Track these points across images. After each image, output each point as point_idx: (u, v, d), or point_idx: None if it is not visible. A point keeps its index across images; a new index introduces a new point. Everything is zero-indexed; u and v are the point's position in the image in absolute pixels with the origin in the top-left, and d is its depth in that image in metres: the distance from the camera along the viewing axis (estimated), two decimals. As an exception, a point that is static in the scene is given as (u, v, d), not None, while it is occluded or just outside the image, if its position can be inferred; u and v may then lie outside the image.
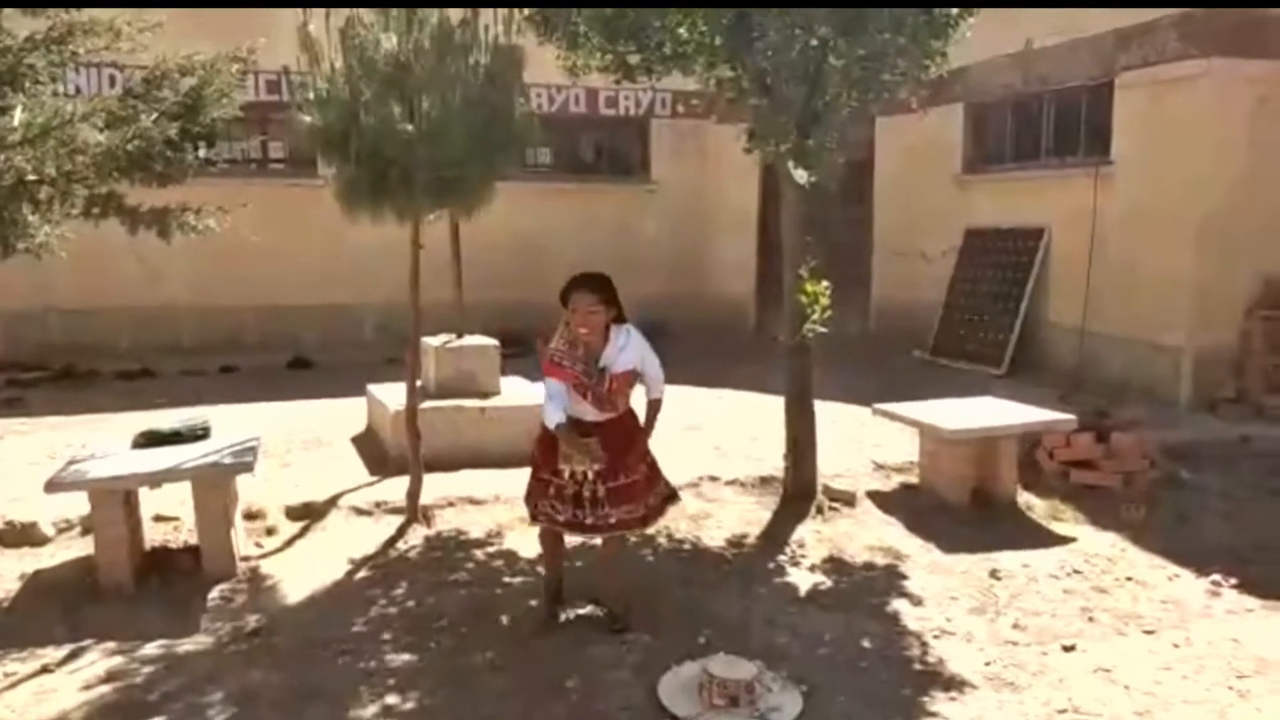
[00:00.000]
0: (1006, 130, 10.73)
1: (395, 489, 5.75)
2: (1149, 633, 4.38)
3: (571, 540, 4.57)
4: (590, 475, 4.11)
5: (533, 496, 4.31)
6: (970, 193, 11.01)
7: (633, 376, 4.22)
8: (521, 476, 6.13)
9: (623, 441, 4.19)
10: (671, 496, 4.51)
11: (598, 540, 4.47)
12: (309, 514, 5.59)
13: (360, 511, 5.64)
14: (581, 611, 4.47)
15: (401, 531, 5.39)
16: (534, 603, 4.53)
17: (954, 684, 3.89)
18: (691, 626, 4.33)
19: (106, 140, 4.90)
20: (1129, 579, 4.96)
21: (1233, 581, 4.87)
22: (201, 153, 5.82)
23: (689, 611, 4.49)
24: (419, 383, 5.86)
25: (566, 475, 4.14)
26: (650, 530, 4.86)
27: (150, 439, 5.30)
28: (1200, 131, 8.18)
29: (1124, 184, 8.83)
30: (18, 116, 4.71)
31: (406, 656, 4.06)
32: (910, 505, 5.90)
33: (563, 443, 4.09)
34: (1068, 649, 4.19)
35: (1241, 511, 5.96)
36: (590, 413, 4.17)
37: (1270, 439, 7.20)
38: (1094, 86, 9.28)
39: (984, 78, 10.20)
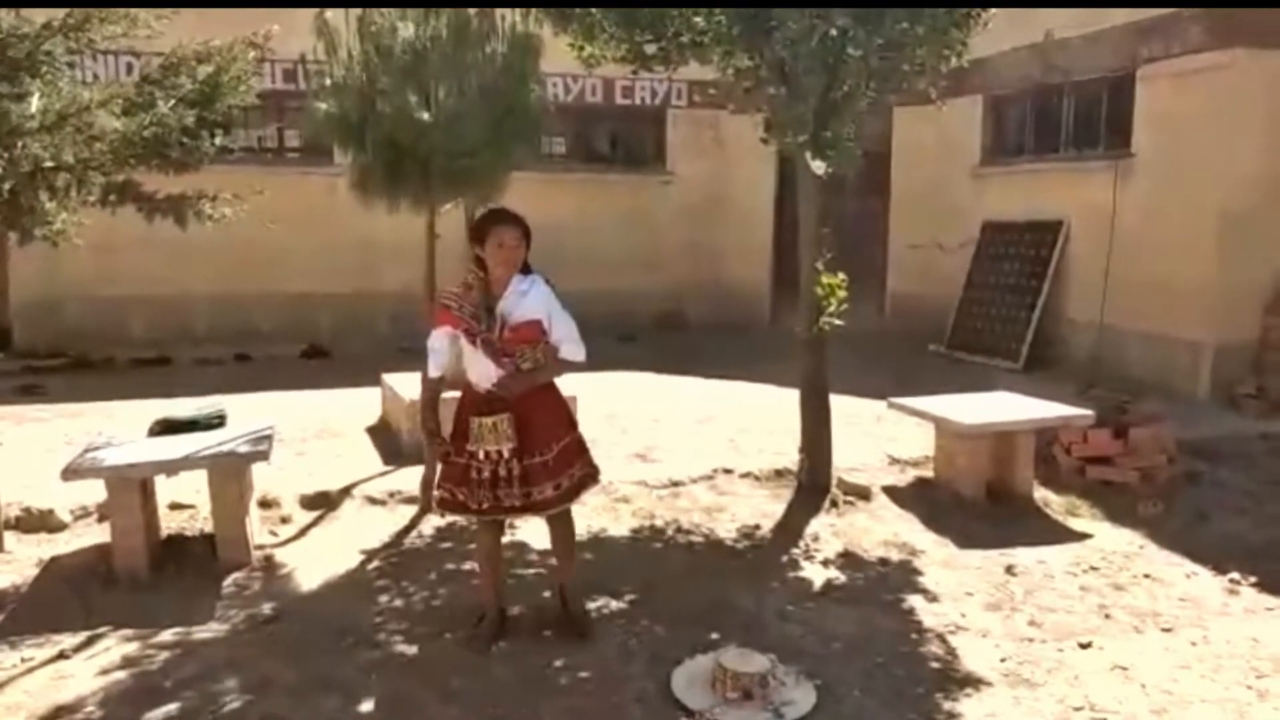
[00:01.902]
0: (1025, 122, 10.66)
1: (409, 479, 5.76)
2: (1166, 630, 4.34)
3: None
4: (505, 453, 3.77)
5: (448, 481, 3.91)
6: (988, 185, 10.93)
7: (535, 332, 3.80)
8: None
9: (535, 414, 3.83)
10: (590, 476, 4.09)
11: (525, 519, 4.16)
12: (323, 503, 5.60)
13: (374, 501, 5.65)
14: (597, 603, 4.46)
15: (415, 521, 5.40)
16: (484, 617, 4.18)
17: (969, 681, 3.86)
18: (704, 619, 4.31)
19: (123, 127, 4.89)
20: (1146, 576, 4.91)
21: (1252, 579, 4.83)
22: (218, 140, 5.82)
23: (702, 604, 4.48)
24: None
25: (481, 456, 3.79)
26: (583, 503, 4.43)
27: (166, 427, 5.32)
28: (1222, 124, 8.09)
29: (1144, 177, 8.75)
30: (35, 103, 4.72)
31: (419, 646, 4.06)
32: (925, 500, 5.87)
33: (471, 426, 3.79)
34: (1084, 646, 4.16)
35: (1261, 509, 5.90)
36: (496, 378, 3.78)
37: (1290, 436, 7.13)
38: (1114, 78, 9.19)
39: (1003, 69, 10.12)
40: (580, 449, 4.06)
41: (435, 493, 4.05)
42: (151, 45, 5.76)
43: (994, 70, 10.02)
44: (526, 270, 3.87)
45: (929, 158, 11.19)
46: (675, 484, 5.97)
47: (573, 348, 3.91)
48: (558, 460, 3.90)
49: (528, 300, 3.81)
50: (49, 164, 4.79)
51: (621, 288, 11.84)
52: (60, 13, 4.97)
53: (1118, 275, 8.93)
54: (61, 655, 3.95)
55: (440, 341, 3.91)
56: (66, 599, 4.44)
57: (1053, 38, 9.55)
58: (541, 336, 3.84)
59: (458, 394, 3.97)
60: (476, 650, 4.00)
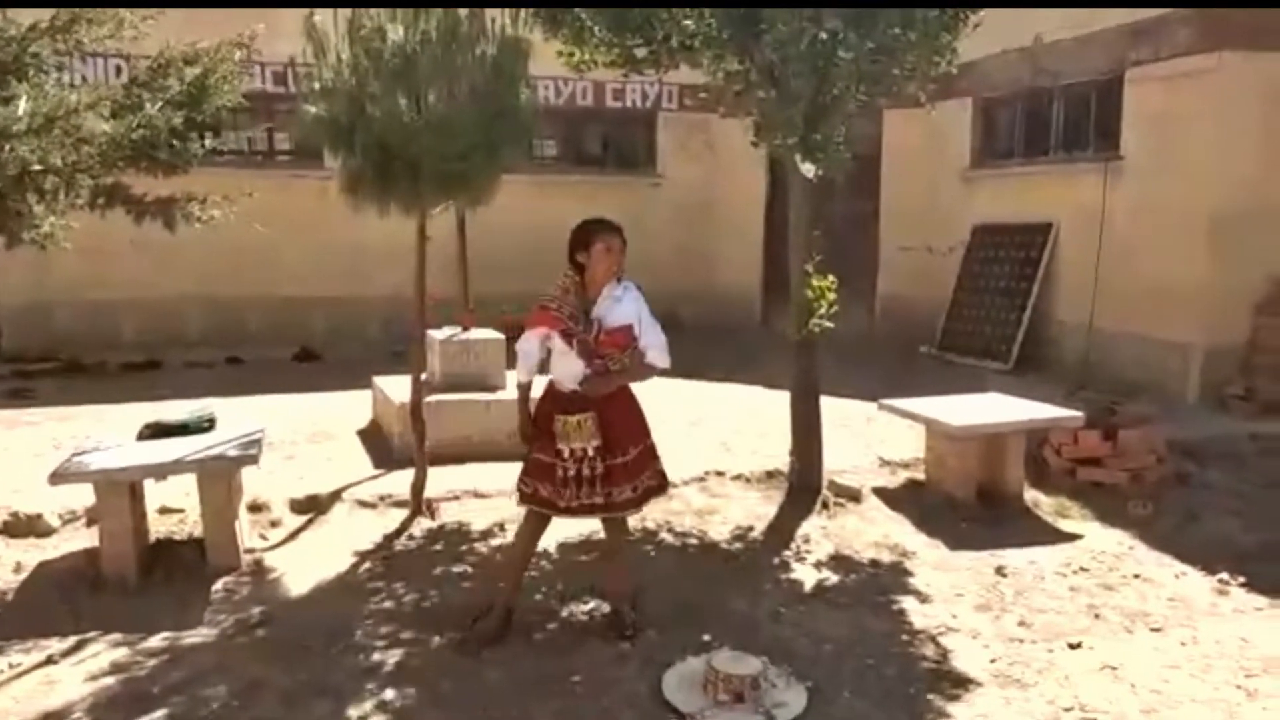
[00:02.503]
0: (1015, 125, 10.68)
1: (400, 482, 5.74)
2: (1156, 631, 4.35)
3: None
4: (590, 451, 3.91)
5: (532, 477, 4.04)
6: (978, 188, 10.96)
7: (627, 337, 3.95)
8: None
9: (620, 417, 4.00)
10: (661, 486, 4.24)
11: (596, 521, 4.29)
12: (313, 507, 5.58)
13: (364, 504, 5.64)
14: (586, 606, 4.46)
15: (406, 525, 5.39)
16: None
17: (959, 681, 3.87)
18: (696, 621, 4.31)
19: (111, 130, 4.89)
20: (1136, 577, 4.93)
21: (1241, 580, 4.85)
22: (207, 143, 5.81)
23: (694, 606, 4.47)
24: (424, 376, 5.84)
25: (566, 454, 3.93)
26: (642, 513, 4.54)
27: (155, 431, 5.30)
28: (1211, 127, 8.12)
29: (1133, 180, 8.78)
30: (22, 106, 4.70)
31: (410, 650, 4.05)
32: (916, 501, 5.88)
33: (556, 424, 3.93)
34: (1074, 647, 4.17)
35: (1250, 509, 5.92)
36: (581, 377, 3.94)
37: (1278, 437, 7.15)
38: (1103, 81, 9.23)
39: (993, 72, 10.15)
40: (654, 455, 4.17)
41: (519, 488, 4.13)
42: (139, 48, 5.76)
43: (984, 73, 10.05)
44: (618, 278, 4.02)
45: (919, 160, 11.21)
46: (670, 486, 5.96)
47: (658, 354, 4.04)
48: (635, 463, 4.02)
49: (621, 306, 3.96)
50: (37, 167, 4.77)
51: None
52: (47, 15, 4.97)
53: (1107, 277, 8.96)
54: (50, 661, 3.93)
55: (532, 344, 4.04)
56: (54, 604, 4.41)
57: (1042, 41, 9.58)
58: (632, 341, 3.97)
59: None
60: (468, 652, 3.99)
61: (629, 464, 4.00)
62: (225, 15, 7.09)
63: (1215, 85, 8.07)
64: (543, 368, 4.12)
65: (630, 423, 4.06)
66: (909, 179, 11.44)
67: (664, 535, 5.31)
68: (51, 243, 5.20)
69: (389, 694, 3.71)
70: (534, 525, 4.19)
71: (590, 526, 5.36)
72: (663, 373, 4.09)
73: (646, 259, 12.66)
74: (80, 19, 4.90)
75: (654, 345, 4.03)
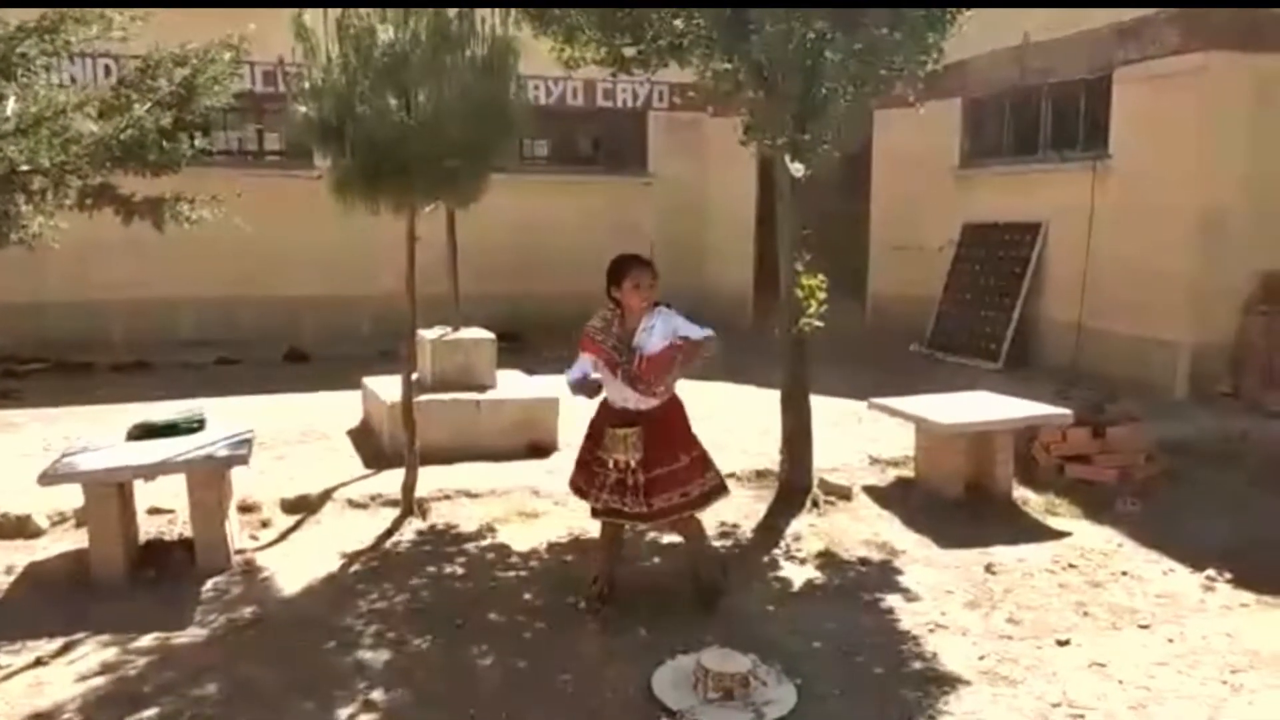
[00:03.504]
0: (1004, 124, 10.73)
1: (390, 482, 5.74)
2: (1144, 627, 4.37)
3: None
4: (632, 464, 4.18)
5: (581, 477, 4.43)
6: (968, 187, 11.01)
7: (667, 362, 4.20)
8: (516, 470, 6.21)
9: (664, 431, 4.27)
10: (719, 489, 4.45)
11: (642, 527, 4.69)
12: (304, 507, 5.58)
13: (355, 504, 5.64)
14: (567, 600, 4.47)
15: (396, 525, 5.39)
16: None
17: (949, 679, 3.88)
18: (686, 619, 4.32)
19: (100, 130, 4.87)
20: (1124, 573, 4.95)
21: (1227, 576, 4.87)
22: (197, 143, 5.79)
23: (684, 604, 4.48)
24: (415, 376, 5.85)
25: (610, 464, 4.22)
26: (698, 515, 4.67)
27: (145, 431, 5.28)
28: (1198, 126, 8.18)
29: (1122, 179, 8.83)
30: (10, 106, 4.69)
31: (400, 650, 4.05)
32: (906, 499, 5.90)
33: (605, 435, 4.23)
34: (1062, 643, 4.19)
35: (1237, 507, 5.96)
36: (631, 399, 4.25)
37: (1266, 434, 7.20)
38: (1092, 81, 9.27)
39: (982, 72, 10.19)
40: (706, 463, 4.42)
41: (572, 480, 4.54)
42: (128, 48, 5.74)
43: (973, 73, 10.10)
44: (653, 305, 4.32)
45: (909, 160, 11.24)
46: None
47: (695, 330, 4.29)
48: (684, 471, 4.29)
49: (656, 333, 4.25)
50: (25, 167, 4.76)
51: (604, 289, 11.83)
52: (35, 15, 4.95)
53: (1096, 276, 9.01)
54: (39, 662, 3.91)
55: (585, 364, 4.31)
56: (44, 605, 4.40)
57: (1030, 40, 9.62)
58: (670, 363, 4.21)
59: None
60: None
61: (676, 473, 4.26)
62: (215, 16, 7.07)
63: (1202, 85, 8.12)
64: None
65: (675, 436, 4.33)
66: (899, 178, 11.48)
67: (654, 534, 5.32)
68: (40, 243, 5.18)
69: (379, 694, 3.71)
70: (609, 527, 4.50)
71: (578, 525, 5.40)
72: (710, 347, 4.28)
73: (637, 258, 12.68)
74: (68, 19, 4.88)
75: (693, 330, 4.28)
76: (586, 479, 4.38)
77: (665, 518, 4.34)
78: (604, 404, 4.39)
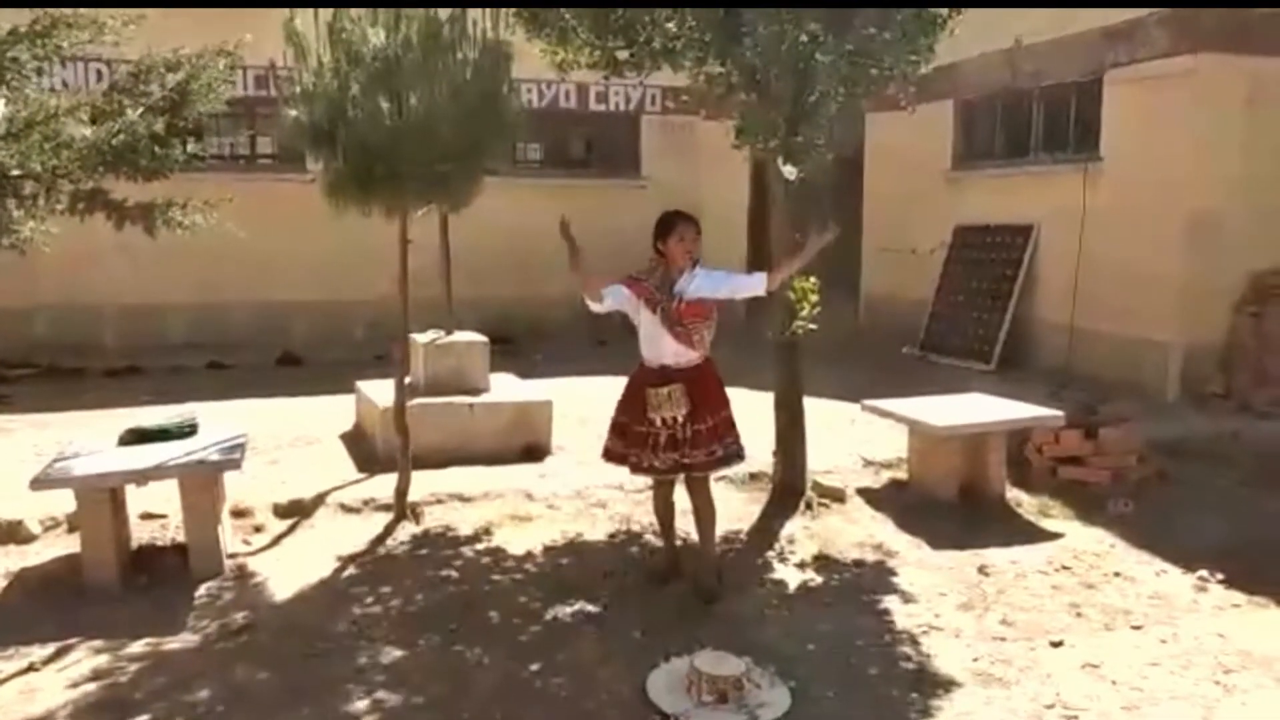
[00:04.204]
0: (996, 127, 10.76)
1: (384, 486, 5.73)
2: (1136, 628, 4.39)
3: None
4: (680, 419, 4.37)
5: (632, 448, 4.52)
6: (960, 189, 11.03)
7: (704, 309, 4.46)
8: (509, 473, 6.19)
9: (705, 387, 4.46)
10: (738, 454, 4.60)
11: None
12: (297, 511, 5.56)
13: (348, 509, 5.62)
14: (571, 608, 4.47)
15: (390, 529, 5.38)
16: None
17: (942, 680, 3.89)
18: (680, 622, 4.32)
19: (92, 135, 4.87)
20: (1117, 575, 4.97)
21: (1219, 577, 4.89)
22: (189, 148, 5.79)
23: (678, 607, 4.49)
24: (408, 380, 5.84)
25: (659, 423, 4.38)
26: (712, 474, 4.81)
27: (137, 436, 5.26)
28: (1188, 128, 8.21)
29: (1113, 180, 8.86)
30: (1, 110, 4.68)
31: (394, 654, 4.04)
32: (899, 501, 5.91)
33: (649, 396, 4.38)
34: (1055, 645, 4.20)
35: (1228, 507, 5.98)
36: (669, 353, 4.43)
37: (1257, 434, 7.23)
38: (1083, 83, 9.31)
39: (974, 74, 10.21)
40: (732, 424, 4.58)
41: (615, 455, 4.66)
42: (121, 53, 5.73)
43: (964, 75, 10.12)
44: (694, 262, 4.58)
45: (902, 162, 11.26)
46: (649, 489, 5.97)
47: (740, 278, 4.75)
48: (714, 429, 4.47)
49: (696, 282, 4.51)
50: (16, 172, 4.75)
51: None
52: (26, 19, 4.94)
53: (1088, 277, 9.03)
54: (30, 668, 3.90)
55: (618, 293, 4.52)
56: (36, 611, 4.39)
57: (1021, 43, 9.64)
58: (708, 312, 4.50)
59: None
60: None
61: (710, 429, 4.45)
62: (212, 21, 7.07)
63: (1192, 87, 8.15)
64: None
65: (713, 392, 4.52)
66: (892, 180, 11.51)
67: (648, 537, 5.32)
68: (31, 248, 5.17)
69: (374, 698, 3.70)
70: (662, 489, 4.75)
71: (573, 528, 5.41)
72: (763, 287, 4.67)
73: (631, 262, 12.72)
74: (60, 24, 4.88)
75: (744, 284, 4.72)
76: (638, 445, 4.48)
77: (695, 471, 4.50)
78: (639, 368, 4.55)
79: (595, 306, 4.56)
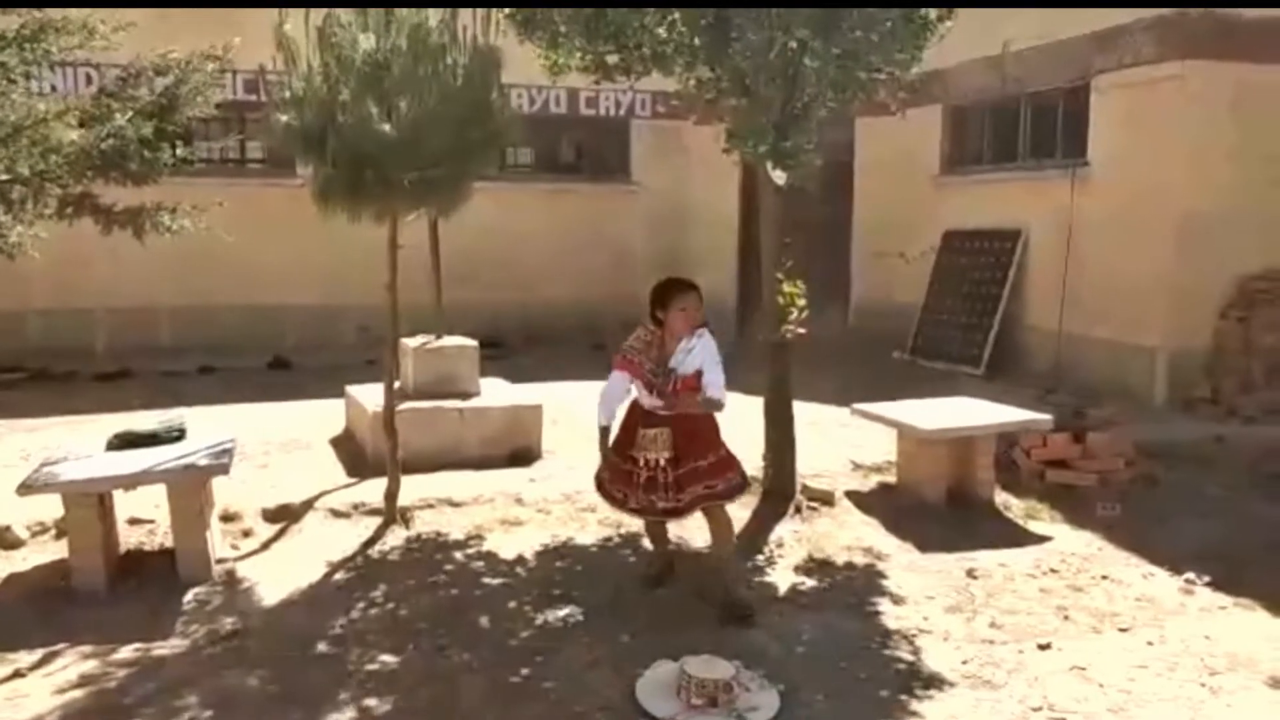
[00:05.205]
0: (984, 132, 10.81)
1: (373, 490, 5.72)
2: (1124, 631, 4.41)
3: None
4: (663, 462, 4.34)
5: (614, 482, 4.55)
6: (948, 194, 11.07)
7: (697, 379, 4.39)
8: (499, 477, 6.19)
9: (691, 431, 4.41)
10: (743, 486, 4.60)
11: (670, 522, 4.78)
12: (286, 516, 5.55)
13: (338, 513, 5.61)
14: (560, 612, 4.47)
15: (379, 533, 5.37)
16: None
17: (931, 683, 3.90)
18: (670, 626, 4.33)
19: (80, 139, 4.86)
20: (1104, 577, 4.99)
21: (1206, 579, 4.92)
22: (179, 152, 5.77)
23: (668, 611, 4.49)
24: (398, 384, 5.83)
25: (641, 463, 4.37)
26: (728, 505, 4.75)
27: (125, 441, 5.24)
28: (1175, 134, 8.26)
29: (1100, 186, 8.91)
30: (-11, 115, 4.67)
31: (384, 659, 4.04)
32: (888, 505, 5.93)
33: (637, 435, 4.38)
34: (1043, 647, 4.22)
35: (1215, 510, 6.01)
36: (658, 405, 4.41)
37: (1244, 438, 7.27)
38: (1070, 89, 9.36)
39: (962, 80, 10.26)
40: (733, 462, 4.55)
41: (602, 488, 4.68)
42: (110, 57, 5.72)
43: (953, 81, 10.17)
44: (694, 328, 4.44)
45: (891, 167, 11.30)
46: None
47: (715, 391, 4.41)
48: (710, 469, 4.42)
49: (693, 356, 4.39)
50: (4, 176, 4.74)
51: (589, 297, 11.87)
52: (14, 23, 4.93)
53: (1075, 282, 9.08)
54: (17, 674, 3.88)
55: (618, 384, 4.48)
56: (23, 617, 4.36)
57: (1010, 49, 9.69)
58: (699, 382, 4.41)
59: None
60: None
61: (701, 469, 4.40)
62: (201, 25, 7.06)
63: (1179, 92, 8.21)
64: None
65: (703, 437, 4.46)
66: (881, 185, 11.54)
67: (641, 540, 5.32)
68: (20, 252, 5.15)
69: (363, 704, 3.70)
70: (653, 523, 4.80)
71: (564, 533, 5.41)
72: (719, 406, 4.45)
73: (621, 266, 12.82)
74: (48, 28, 4.87)
75: (713, 384, 4.41)
76: (622, 481, 4.50)
77: (693, 509, 4.46)
78: (634, 406, 4.52)
79: (604, 421, 4.57)
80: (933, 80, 6.01)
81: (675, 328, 4.39)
